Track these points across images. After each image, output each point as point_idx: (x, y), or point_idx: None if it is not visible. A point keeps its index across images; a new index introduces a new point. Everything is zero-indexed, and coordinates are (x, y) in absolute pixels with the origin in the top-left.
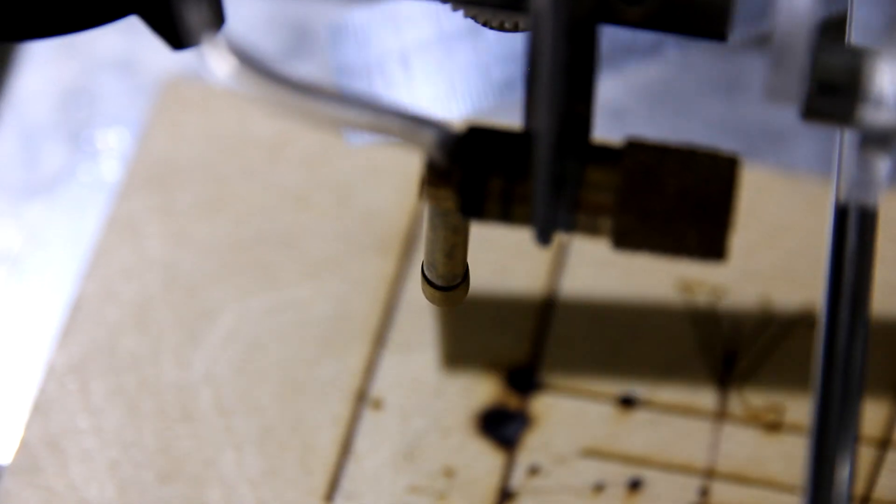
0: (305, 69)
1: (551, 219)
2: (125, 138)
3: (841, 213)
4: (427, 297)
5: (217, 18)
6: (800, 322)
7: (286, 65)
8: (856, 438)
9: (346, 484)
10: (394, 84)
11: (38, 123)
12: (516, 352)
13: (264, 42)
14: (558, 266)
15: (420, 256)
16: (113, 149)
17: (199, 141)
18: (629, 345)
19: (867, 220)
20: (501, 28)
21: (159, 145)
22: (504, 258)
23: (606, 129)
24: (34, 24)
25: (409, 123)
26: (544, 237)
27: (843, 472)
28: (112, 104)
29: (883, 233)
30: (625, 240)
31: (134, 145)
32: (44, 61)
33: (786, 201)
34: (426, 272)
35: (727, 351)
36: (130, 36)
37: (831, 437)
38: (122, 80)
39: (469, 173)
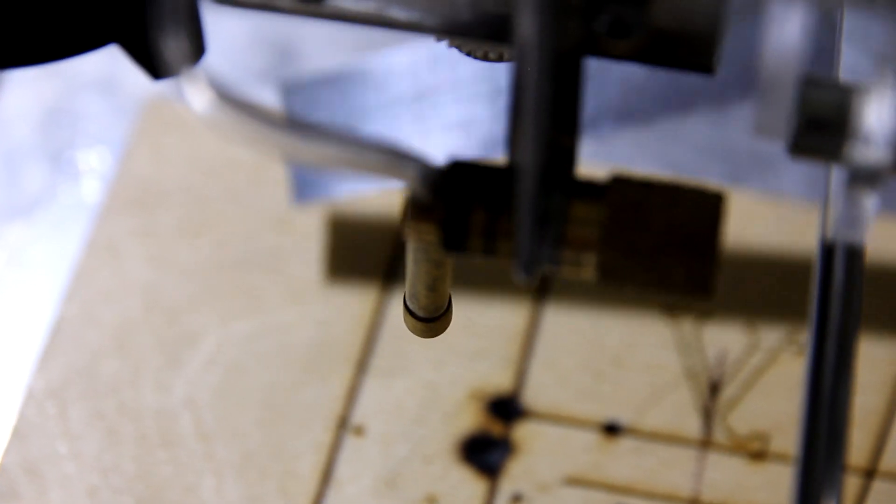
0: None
1: (535, 254)
2: (107, 159)
3: (828, 250)
4: (409, 328)
5: (197, 49)
6: (785, 350)
7: (268, 84)
8: (842, 469)
9: None
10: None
11: (20, 144)
12: (499, 378)
13: (246, 61)
14: (542, 292)
15: (403, 281)
16: (94, 170)
17: (181, 162)
18: (613, 372)
19: (854, 257)
20: (486, 58)
21: (141, 167)
22: (488, 283)
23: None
24: (14, 53)
25: (392, 158)
26: (528, 273)
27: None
28: (94, 125)
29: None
30: (610, 276)
31: (115, 166)
32: (25, 82)
33: (772, 227)
34: (408, 303)
35: (712, 378)
36: (112, 56)
37: (817, 466)
38: (103, 100)
39: (452, 208)
